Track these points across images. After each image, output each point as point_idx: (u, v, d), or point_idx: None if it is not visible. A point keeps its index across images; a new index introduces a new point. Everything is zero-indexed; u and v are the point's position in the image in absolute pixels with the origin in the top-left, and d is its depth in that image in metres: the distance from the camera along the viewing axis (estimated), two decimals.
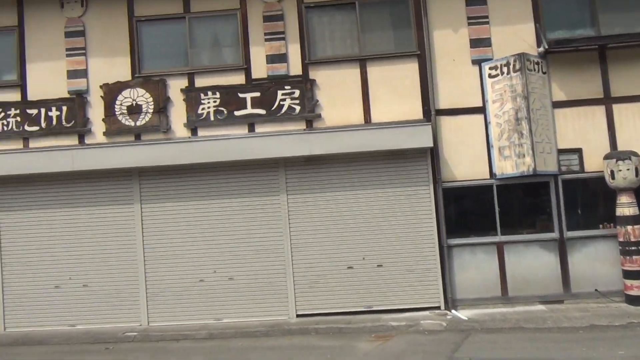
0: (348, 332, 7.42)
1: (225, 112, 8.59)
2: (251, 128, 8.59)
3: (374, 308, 8.20)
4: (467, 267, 8.28)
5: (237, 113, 8.58)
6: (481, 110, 8.58)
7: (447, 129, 8.58)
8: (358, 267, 8.34)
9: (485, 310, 7.99)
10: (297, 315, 8.26)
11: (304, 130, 8.51)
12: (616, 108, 8.45)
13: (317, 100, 8.62)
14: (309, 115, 8.58)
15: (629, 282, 7.82)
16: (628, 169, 7.80)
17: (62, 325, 8.46)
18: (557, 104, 8.51)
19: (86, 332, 8.13)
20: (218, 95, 8.60)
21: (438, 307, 8.15)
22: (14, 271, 8.61)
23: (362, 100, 8.68)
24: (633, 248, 7.75)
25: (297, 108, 8.57)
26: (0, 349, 7.65)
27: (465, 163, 8.49)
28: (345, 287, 8.32)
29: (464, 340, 6.72)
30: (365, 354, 6.23)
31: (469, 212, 8.58)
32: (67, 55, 8.82)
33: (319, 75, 8.65)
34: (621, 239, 7.88)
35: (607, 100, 8.48)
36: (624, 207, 7.86)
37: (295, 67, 8.70)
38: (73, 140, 8.76)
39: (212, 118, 8.58)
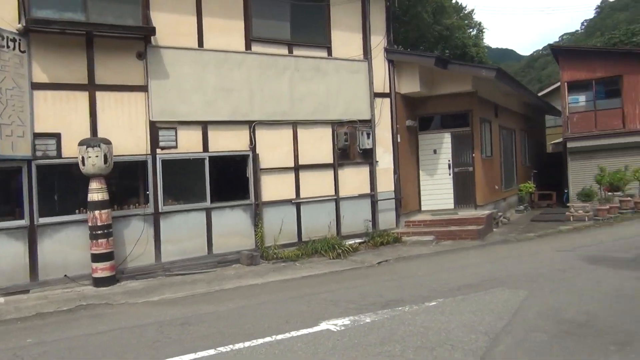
0: None
1: None
2: None
3: None
4: None
5: None
6: None
7: None
8: None
9: None
10: None
11: None
12: (99, 95, 8.64)
13: None
14: None
15: (95, 264, 8.12)
16: (97, 156, 8.03)
17: None
18: (38, 86, 8.17)
19: None
20: None
21: None
22: None
23: None
24: (100, 232, 8.07)
25: None
26: None
27: None
28: None
29: None
30: None
31: None
32: None
33: None
34: (90, 224, 8.10)
35: (92, 87, 8.58)
36: (94, 192, 8.09)
37: None
38: None
39: None
